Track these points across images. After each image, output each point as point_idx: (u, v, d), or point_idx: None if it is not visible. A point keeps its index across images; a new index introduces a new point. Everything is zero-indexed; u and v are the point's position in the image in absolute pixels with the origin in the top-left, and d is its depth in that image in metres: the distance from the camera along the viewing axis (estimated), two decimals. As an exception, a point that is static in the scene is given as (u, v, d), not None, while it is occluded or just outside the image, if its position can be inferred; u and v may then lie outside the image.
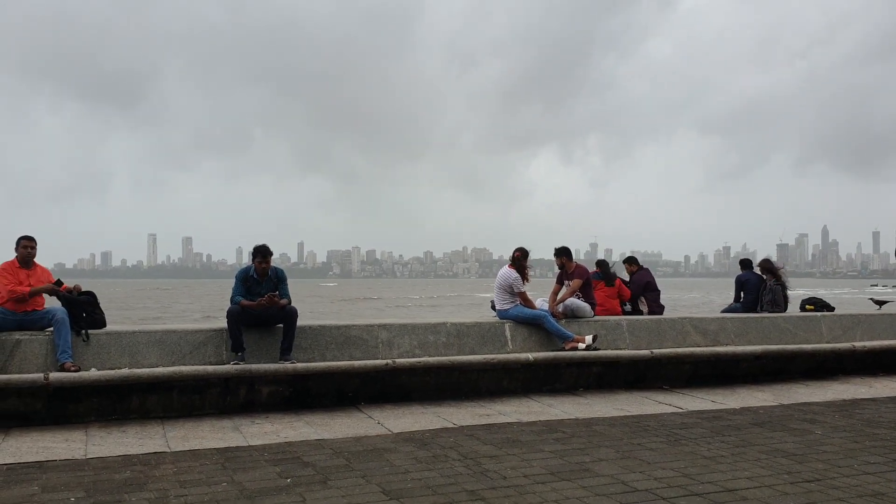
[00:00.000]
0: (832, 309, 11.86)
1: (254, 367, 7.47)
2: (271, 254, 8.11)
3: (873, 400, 8.48)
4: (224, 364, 7.52)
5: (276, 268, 8.15)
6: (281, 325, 7.89)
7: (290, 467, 5.41)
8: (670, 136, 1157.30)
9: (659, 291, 11.61)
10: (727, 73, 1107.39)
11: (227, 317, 7.70)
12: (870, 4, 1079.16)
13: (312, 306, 53.93)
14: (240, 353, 7.59)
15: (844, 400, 8.46)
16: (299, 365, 7.62)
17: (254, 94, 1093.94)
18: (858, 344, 10.36)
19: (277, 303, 7.81)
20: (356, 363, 7.80)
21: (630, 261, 12.14)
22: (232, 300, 7.85)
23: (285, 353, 7.76)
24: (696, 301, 64.61)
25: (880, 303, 13.07)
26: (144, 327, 7.99)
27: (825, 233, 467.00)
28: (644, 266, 12.02)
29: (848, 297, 68.51)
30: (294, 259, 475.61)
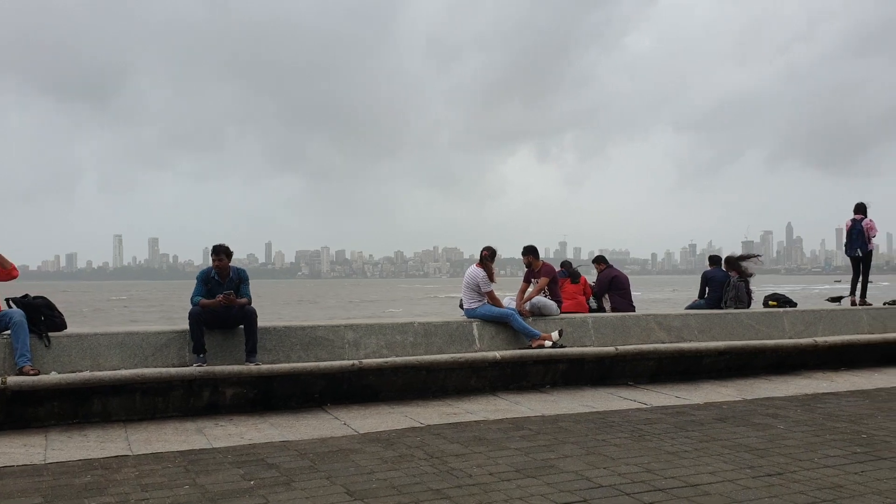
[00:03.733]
0: (795, 305, 12.03)
1: (217, 368, 7.39)
2: (230, 253, 8.01)
3: (834, 394, 8.62)
4: (187, 366, 7.43)
5: (237, 268, 8.06)
6: (242, 327, 7.81)
7: (253, 469, 5.36)
8: (646, 133, 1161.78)
9: (627, 290, 11.68)
10: (706, 68, 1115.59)
11: (189, 318, 7.60)
12: (850, 1, 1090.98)
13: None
14: (201, 355, 7.50)
15: (806, 394, 8.59)
16: (263, 366, 7.56)
17: (229, 90, 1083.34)
18: (820, 339, 10.53)
19: (236, 301, 7.72)
20: (322, 364, 7.75)
21: (598, 260, 12.24)
22: (192, 301, 7.76)
23: (250, 354, 7.68)
24: (662, 298, 65.25)
25: (836, 299, 13.28)
26: (106, 329, 7.85)
27: (790, 229, 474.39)
28: (612, 265, 12.11)
29: (811, 293, 69.67)
30: (262, 259, 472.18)
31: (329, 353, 8.14)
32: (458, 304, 9.96)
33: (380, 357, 8.23)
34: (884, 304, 12.50)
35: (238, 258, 8.20)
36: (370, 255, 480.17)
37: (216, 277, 7.93)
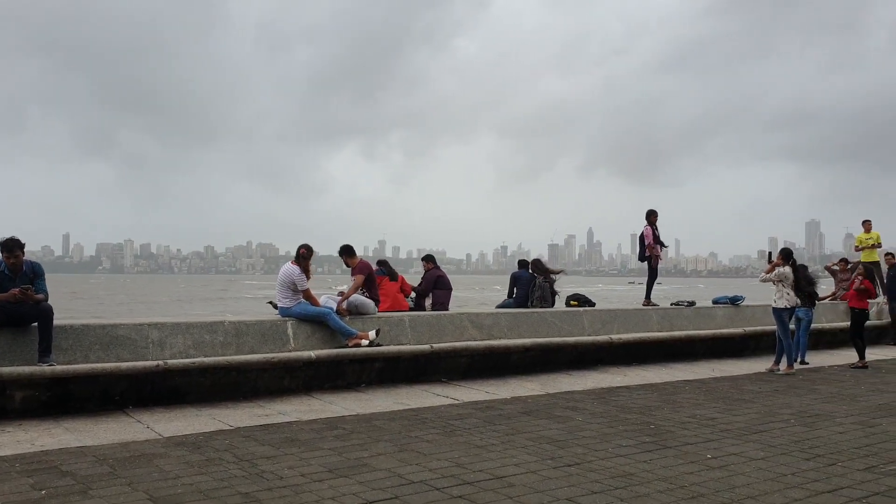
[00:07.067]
0: (593, 304, 12.86)
1: (5, 370, 6.82)
2: (21, 246, 7.38)
3: (627, 387, 9.30)
4: (-32, 368, 6.77)
5: (31, 262, 7.47)
6: (36, 325, 7.23)
7: (45, 478, 4.99)
8: (471, 136, 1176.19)
9: (450, 289, 11.99)
10: (531, 76, 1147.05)
11: (-26, 315, 6.94)
12: (666, 17, 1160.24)
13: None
14: None
15: (602, 388, 9.21)
16: (58, 367, 7.05)
17: (32, 66, 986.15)
18: (615, 336, 11.33)
19: (32, 297, 7.15)
20: (123, 364, 7.35)
21: (427, 258, 12.48)
22: (-22, 297, 7.08)
23: (44, 354, 7.13)
24: (474, 297, 67.30)
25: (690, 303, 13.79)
26: None
27: (590, 234, 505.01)
28: (438, 265, 12.36)
29: (607, 293, 74.80)
30: (59, 252, 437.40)
31: (132, 352, 7.71)
32: (271, 303, 9.78)
33: (187, 357, 7.91)
34: (671, 304, 13.62)
35: (31, 250, 7.57)
36: (178, 250, 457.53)
37: (7, 272, 7.28)
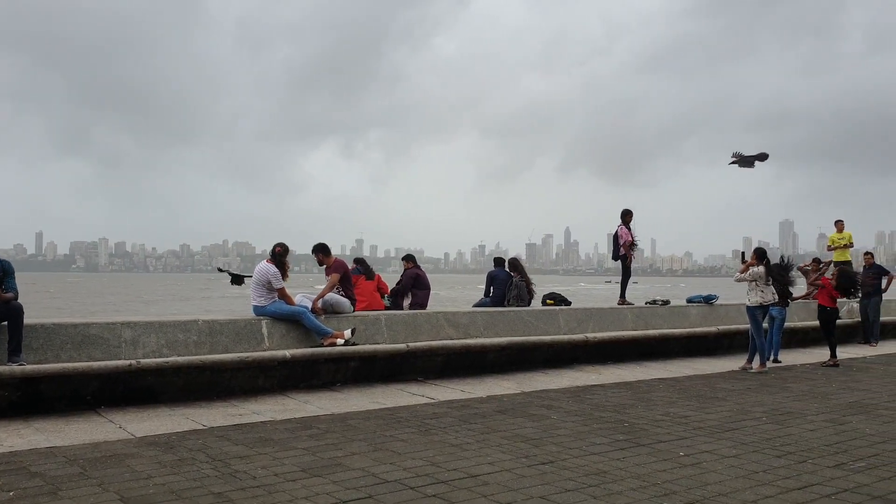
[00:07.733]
0: (569, 303, 12.91)
1: (-27, 370, 6.70)
2: None
3: (602, 386, 9.35)
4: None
5: (1, 260, 7.38)
6: (6, 324, 7.13)
7: (13, 479, 4.92)
8: (451, 135, 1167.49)
9: (428, 289, 11.99)
10: (512, 76, 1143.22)
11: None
12: (646, 18, 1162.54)
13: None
14: None
15: (577, 386, 9.25)
16: (28, 367, 6.96)
17: (6, 63, 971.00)
18: (591, 335, 11.39)
19: (2, 296, 7.05)
20: (95, 364, 7.26)
21: (407, 258, 12.48)
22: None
23: (13, 353, 7.04)
24: (452, 295, 67.40)
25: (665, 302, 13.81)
26: None
27: (568, 234, 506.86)
28: (418, 265, 12.35)
29: (585, 293, 75.21)
30: (31, 251, 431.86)
31: (104, 352, 7.63)
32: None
33: (160, 357, 7.84)
34: (645, 303, 13.70)
35: (2, 248, 7.49)
36: (153, 248, 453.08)
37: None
